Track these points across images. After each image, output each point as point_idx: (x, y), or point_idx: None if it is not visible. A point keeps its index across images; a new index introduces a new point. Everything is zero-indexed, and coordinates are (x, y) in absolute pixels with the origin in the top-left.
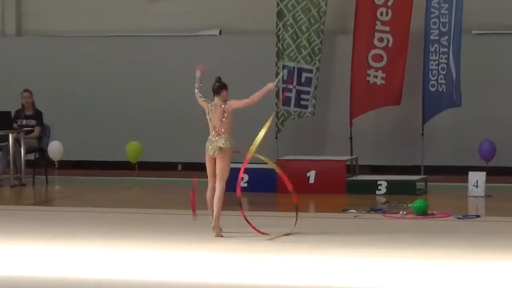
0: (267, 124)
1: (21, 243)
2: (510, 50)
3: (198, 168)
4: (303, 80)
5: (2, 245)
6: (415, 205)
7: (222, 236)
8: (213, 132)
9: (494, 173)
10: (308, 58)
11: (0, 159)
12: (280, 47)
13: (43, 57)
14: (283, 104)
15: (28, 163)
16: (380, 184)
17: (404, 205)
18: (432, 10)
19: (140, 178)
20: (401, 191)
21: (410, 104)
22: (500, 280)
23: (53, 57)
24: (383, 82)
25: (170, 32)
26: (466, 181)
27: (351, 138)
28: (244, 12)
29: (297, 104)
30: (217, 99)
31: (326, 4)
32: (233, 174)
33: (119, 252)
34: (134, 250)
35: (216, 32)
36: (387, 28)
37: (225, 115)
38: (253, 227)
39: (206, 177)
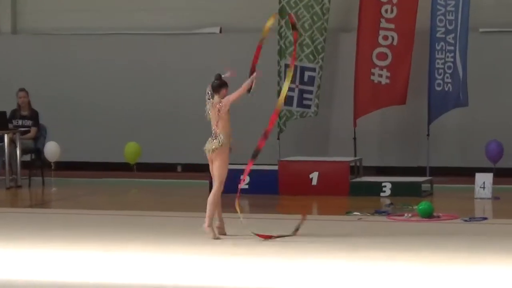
0: (290, 74)
1: (16, 247)
2: None
3: (198, 169)
4: (305, 79)
5: None
6: (420, 207)
7: (219, 238)
8: (212, 132)
9: (501, 174)
10: (311, 56)
11: None
12: (282, 45)
13: (40, 56)
14: (285, 104)
15: (24, 164)
16: (385, 186)
17: (409, 207)
18: (438, 7)
19: (139, 180)
20: (406, 193)
21: (416, 103)
22: (508, 284)
23: (49, 55)
24: (388, 81)
25: (170, 30)
26: (473, 182)
27: (355, 138)
28: (245, 10)
29: (300, 104)
30: (216, 97)
31: (329, 1)
32: (235, 175)
33: (116, 256)
34: (131, 254)
35: (217, 30)
36: (392, 26)
37: (218, 113)
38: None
39: (207, 178)
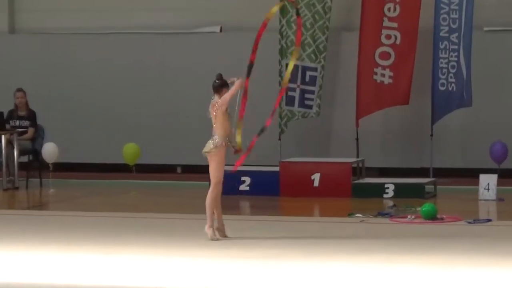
0: (296, 53)
1: (13, 249)
2: None
3: (198, 170)
4: (307, 79)
5: None
6: (423, 209)
7: (216, 239)
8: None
9: (506, 175)
10: (312, 56)
11: None
12: (284, 44)
13: (37, 56)
14: (286, 104)
15: (22, 165)
16: (388, 187)
17: (413, 209)
18: (442, 5)
19: (138, 181)
20: (409, 195)
21: (419, 104)
22: None
23: (47, 55)
24: (391, 81)
25: (169, 29)
26: (477, 184)
27: (357, 139)
28: (245, 8)
29: (301, 104)
30: (216, 97)
31: (331, 0)
32: (235, 176)
33: (115, 259)
34: (130, 257)
35: (217, 29)
36: (395, 25)
37: (214, 113)
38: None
39: (207, 179)
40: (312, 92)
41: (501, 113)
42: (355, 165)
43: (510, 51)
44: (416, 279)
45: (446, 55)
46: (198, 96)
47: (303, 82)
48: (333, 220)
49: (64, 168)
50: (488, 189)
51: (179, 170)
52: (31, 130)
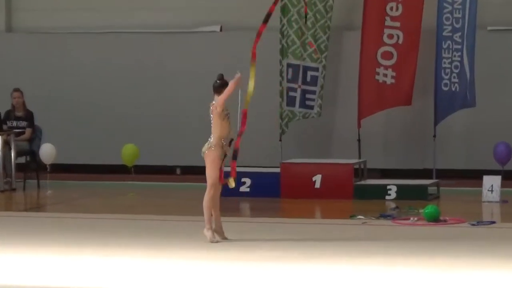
0: (252, 71)
1: (10, 251)
2: None
3: (197, 172)
4: (308, 79)
5: None
6: (426, 211)
7: (216, 241)
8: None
9: (510, 177)
10: (314, 55)
11: None
12: (285, 44)
13: (35, 55)
14: (287, 105)
15: (19, 166)
16: (390, 189)
17: (415, 211)
18: (445, 4)
19: (137, 183)
20: (412, 196)
21: (422, 104)
22: None
23: (45, 54)
24: (393, 81)
25: (169, 28)
26: (480, 185)
27: (359, 140)
28: (246, 8)
29: (302, 105)
30: (216, 98)
31: None
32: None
33: (113, 261)
34: (129, 259)
35: (217, 28)
36: (397, 24)
37: (211, 115)
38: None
39: (206, 181)
40: (313, 92)
41: (505, 113)
42: (357, 166)
43: None
44: (419, 282)
45: (449, 55)
46: (198, 96)
47: (304, 82)
48: (335, 222)
49: (61, 169)
50: (491, 190)
51: (178, 171)
52: (28, 131)
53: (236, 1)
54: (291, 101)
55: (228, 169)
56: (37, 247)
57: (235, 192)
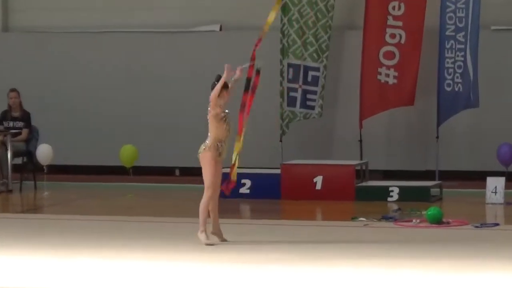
0: (237, 146)
1: (7, 253)
2: None
3: (197, 173)
4: (309, 79)
5: None
6: (429, 212)
7: (211, 244)
8: None
9: None
10: (315, 55)
11: None
12: (285, 43)
13: (32, 55)
14: (288, 105)
15: (15, 167)
16: (392, 191)
17: (418, 212)
18: (448, 4)
19: (135, 184)
20: (414, 198)
21: (424, 104)
22: None
23: (42, 54)
24: (395, 81)
25: (168, 28)
26: (484, 187)
27: (360, 141)
28: (245, 7)
29: (303, 105)
30: None
31: None
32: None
33: (111, 263)
34: (127, 261)
35: (217, 27)
36: (400, 23)
37: (208, 116)
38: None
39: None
40: (314, 93)
41: (509, 114)
42: (358, 167)
43: None
44: (422, 284)
45: (452, 55)
46: (198, 96)
47: (305, 82)
48: (336, 224)
49: (59, 170)
50: (495, 192)
51: (177, 172)
52: (25, 131)
53: (236, 0)
54: (291, 102)
55: (227, 169)
56: (34, 249)
57: (235, 194)
